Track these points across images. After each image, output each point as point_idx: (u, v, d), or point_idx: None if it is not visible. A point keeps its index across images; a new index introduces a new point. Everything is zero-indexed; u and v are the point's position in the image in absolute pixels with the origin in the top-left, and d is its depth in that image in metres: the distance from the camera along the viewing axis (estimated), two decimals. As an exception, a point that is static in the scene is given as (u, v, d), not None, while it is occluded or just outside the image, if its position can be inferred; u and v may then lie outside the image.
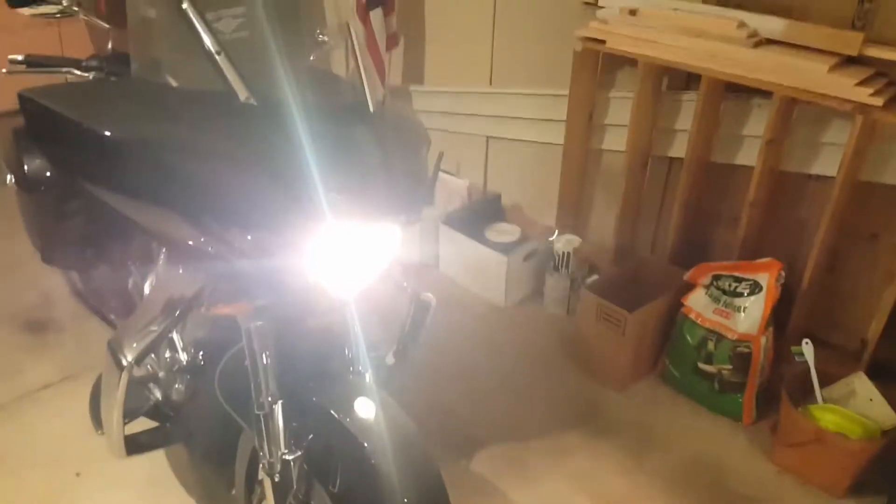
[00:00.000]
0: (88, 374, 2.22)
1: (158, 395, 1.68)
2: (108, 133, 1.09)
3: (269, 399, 1.33)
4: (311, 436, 1.36)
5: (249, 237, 1.16)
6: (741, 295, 2.01)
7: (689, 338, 2.11)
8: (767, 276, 1.98)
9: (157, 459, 1.87)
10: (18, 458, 1.94)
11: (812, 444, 1.86)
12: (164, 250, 1.56)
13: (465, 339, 2.52)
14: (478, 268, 2.70)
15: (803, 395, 1.98)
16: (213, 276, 1.27)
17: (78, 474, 1.91)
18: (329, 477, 1.37)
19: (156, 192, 1.23)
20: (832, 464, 1.85)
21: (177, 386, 1.64)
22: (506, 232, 2.71)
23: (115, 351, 1.39)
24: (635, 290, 2.24)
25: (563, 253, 2.48)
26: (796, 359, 2.01)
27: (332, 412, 1.30)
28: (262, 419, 1.34)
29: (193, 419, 1.64)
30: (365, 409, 1.32)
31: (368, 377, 1.51)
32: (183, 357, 1.60)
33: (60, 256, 2.16)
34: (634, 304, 2.13)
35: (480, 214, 2.81)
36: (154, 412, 1.70)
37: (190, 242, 1.21)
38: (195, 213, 1.19)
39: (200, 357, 1.58)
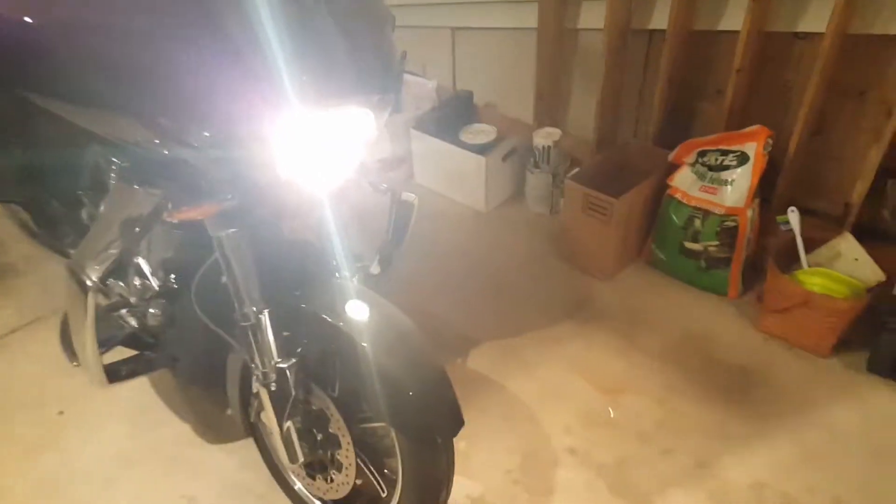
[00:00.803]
0: (55, 317, 2.15)
1: (133, 322, 1.60)
2: (29, 20, 0.97)
3: (254, 309, 1.27)
4: (304, 341, 1.32)
5: (207, 133, 1.07)
6: (728, 168, 1.97)
7: (675, 218, 2.08)
8: (755, 145, 1.93)
9: (143, 388, 1.84)
10: (7, 403, 1.89)
11: (799, 308, 1.87)
12: (115, 168, 1.45)
13: (448, 247, 2.47)
14: (454, 172, 2.62)
15: (789, 263, 1.98)
16: (173, 179, 1.18)
17: (61, 412, 1.86)
18: (328, 381, 1.34)
19: (101, 92, 1.13)
20: (818, 325, 1.87)
21: (152, 311, 1.56)
22: (481, 132, 2.61)
23: (75, 273, 1.31)
24: (620, 177, 2.20)
25: (544, 147, 2.40)
26: (782, 228, 2.00)
27: (323, 317, 1.25)
28: (249, 330, 1.29)
29: (175, 343, 1.59)
30: (358, 310, 1.27)
31: (356, 280, 1.46)
32: (154, 281, 1.52)
33: (5, 188, 2.04)
34: (620, 192, 2.08)
35: (452, 116, 2.70)
36: (131, 341, 1.63)
37: (145, 145, 1.12)
38: (148, 111, 1.09)
39: (173, 278, 1.50)
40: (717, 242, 2.04)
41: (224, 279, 1.28)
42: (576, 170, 2.42)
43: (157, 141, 1.09)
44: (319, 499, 1.52)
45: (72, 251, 1.95)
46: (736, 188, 1.96)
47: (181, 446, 1.75)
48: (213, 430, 1.79)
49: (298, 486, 1.55)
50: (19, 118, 1.77)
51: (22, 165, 1.86)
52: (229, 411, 1.81)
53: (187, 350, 1.59)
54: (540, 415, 1.81)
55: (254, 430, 1.59)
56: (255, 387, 1.35)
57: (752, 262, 2.11)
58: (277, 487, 1.61)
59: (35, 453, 1.75)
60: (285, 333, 1.31)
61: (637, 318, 2.10)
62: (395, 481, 1.35)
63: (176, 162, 1.14)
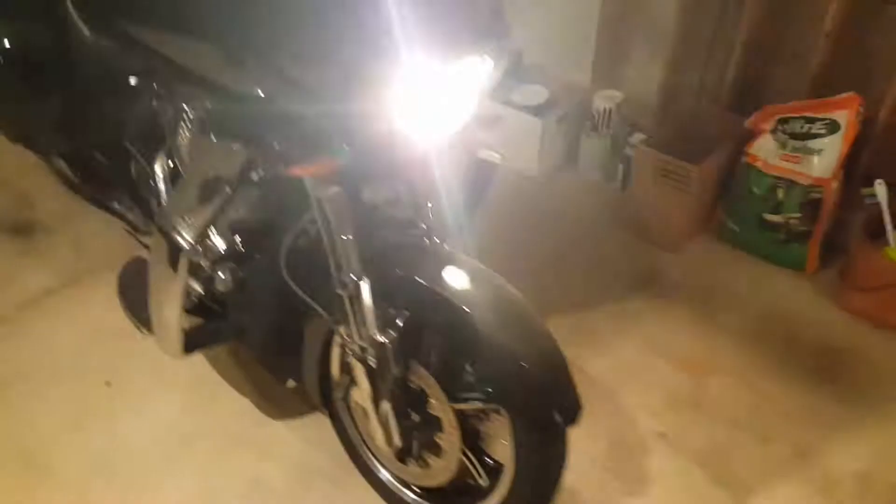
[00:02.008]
0: (91, 278, 2.01)
1: (199, 288, 1.47)
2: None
3: (354, 277, 1.15)
4: (406, 313, 1.20)
5: (328, 74, 0.95)
6: (816, 136, 1.86)
7: (755, 188, 1.97)
8: (846, 113, 1.82)
9: (193, 358, 1.67)
10: (37, 374, 1.74)
11: (889, 287, 1.78)
12: (194, 118, 1.31)
13: (502, 214, 2.32)
14: (505, 135, 2.48)
15: (874, 238, 1.88)
16: (281, 130, 1.05)
17: (108, 383, 1.73)
18: (428, 354, 1.22)
19: (204, 21, 1.00)
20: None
21: (221, 276, 1.43)
22: (533, 93, 2.46)
23: (168, 233, 1.18)
24: (690, 143, 2.07)
25: (604, 110, 2.27)
26: (867, 201, 1.90)
27: (426, 285, 1.13)
28: (346, 300, 1.17)
29: (244, 312, 1.46)
30: (461, 278, 1.16)
31: (449, 244, 1.34)
32: (225, 243, 1.39)
33: (38, 137, 1.88)
34: (692, 158, 1.96)
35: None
36: (197, 308, 1.51)
37: (257, 89, 0.99)
38: (259, 47, 0.96)
39: (246, 241, 1.37)
40: (799, 214, 1.94)
41: (323, 239, 1.16)
42: (637, 135, 2.31)
43: (269, 81, 0.97)
44: (409, 486, 1.41)
45: (115, 204, 1.82)
46: (824, 158, 1.86)
47: (242, 422, 1.63)
48: (275, 404, 1.67)
49: (385, 474, 1.43)
50: (65, 62, 1.62)
51: (67, 113, 1.71)
52: (290, 384, 1.71)
53: (258, 320, 1.46)
54: (622, 397, 1.71)
55: (330, 407, 1.47)
56: (350, 362, 1.23)
57: (829, 236, 2.02)
58: (354, 470, 1.50)
59: (84, 428, 1.62)
60: (384, 304, 1.20)
61: (711, 293, 2.00)
62: (500, 470, 1.25)
63: (282, 113, 1.01)
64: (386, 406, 1.23)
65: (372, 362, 1.19)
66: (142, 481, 1.52)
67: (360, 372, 1.22)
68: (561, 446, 1.15)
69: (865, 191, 1.88)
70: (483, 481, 1.28)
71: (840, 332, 1.87)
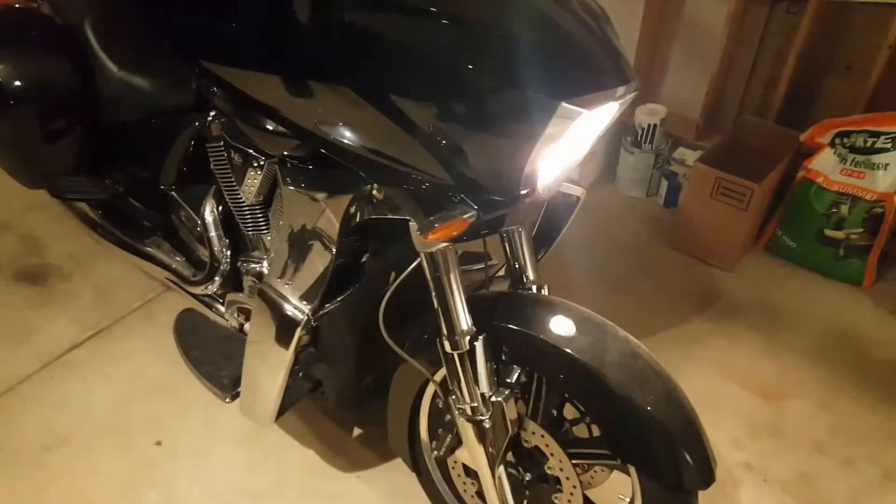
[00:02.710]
0: (120, 328, 1.89)
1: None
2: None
3: (466, 335, 1.07)
4: (521, 368, 1.12)
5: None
6: (881, 151, 1.82)
7: (815, 204, 1.93)
8: (911, 127, 1.79)
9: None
10: (78, 436, 1.61)
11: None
12: (261, 162, 1.21)
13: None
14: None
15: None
16: (397, 186, 0.96)
17: (159, 443, 1.60)
18: (543, 411, 1.15)
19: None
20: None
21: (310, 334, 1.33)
22: (568, 108, 2.40)
23: (280, 306, 1.08)
24: (742, 159, 2.02)
25: (648, 125, 2.21)
26: (929, 214, 1.87)
27: (540, 337, 1.06)
28: (456, 359, 1.08)
29: (321, 365, 1.36)
30: (574, 328, 1.08)
31: (546, 290, 1.27)
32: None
33: (62, 182, 1.75)
34: (746, 175, 1.92)
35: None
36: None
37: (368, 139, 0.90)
38: (374, 88, 0.88)
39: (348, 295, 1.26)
40: (860, 230, 1.91)
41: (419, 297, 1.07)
42: (681, 149, 2.26)
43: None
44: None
45: (153, 252, 1.69)
46: (890, 172, 1.82)
47: (313, 478, 1.53)
48: (345, 457, 1.58)
49: None
50: (88, 99, 1.50)
51: (95, 156, 1.58)
52: (355, 432, 1.61)
53: (336, 373, 1.36)
54: (702, 426, 1.65)
55: (417, 463, 1.38)
56: (455, 421, 1.14)
57: (885, 250, 1.99)
58: (441, 524, 1.42)
59: (136, 491, 1.50)
60: (497, 360, 1.12)
61: (772, 311, 1.95)
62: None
63: (404, 168, 0.92)
64: (500, 468, 1.15)
65: (486, 423, 1.11)
66: (212, 549, 1.41)
67: (470, 432, 1.13)
68: (690, 507, 1.08)
69: (927, 203, 1.85)
70: (596, 538, 1.22)
71: (907, 347, 1.85)
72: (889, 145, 1.81)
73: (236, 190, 1.32)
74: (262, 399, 1.20)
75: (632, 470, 1.09)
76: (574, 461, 1.14)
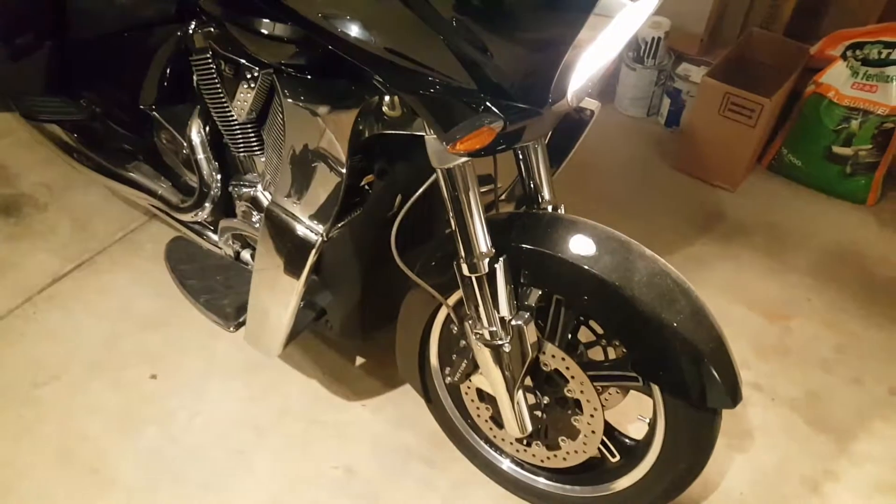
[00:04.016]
0: (104, 258, 1.79)
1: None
2: None
3: (486, 257, 1.00)
4: (542, 290, 1.07)
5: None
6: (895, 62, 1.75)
7: (825, 120, 1.86)
8: (929, 35, 1.71)
9: (242, 342, 1.47)
10: (70, 372, 1.54)
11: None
12: (257, 75, 1.10)
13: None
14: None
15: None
16: (415, 92, 0.87)
17: (154, 376, 1.54)
18: (564, 333, 1.10)
19: None
20: None
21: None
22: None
23: (293, 228, 1.00)
24: (750, 74, 1.94)
25: (652, 39, 2.10)
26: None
27: (563, 258, 1.01)
28: (474, 282, 1.03)
29: (324, 292, 1.30)
30: (597, 248, 1.03)
31: (563, 210, 1.20)
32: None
33: (29, 101, 1.61)
34: (757, 90, 1.84)
35: None
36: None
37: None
38: None
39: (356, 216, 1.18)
40: (870, 146, 1.85)
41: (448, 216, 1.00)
42: (685, 65, 2.16)
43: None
44: (528, 466, 1.31)
45: (135, 177, 1.58)
46: (904, 84, 1.76)
47: (316, 408, 1.49)
48: (348, 386, 1.54)
49: (506, 462, 1.32)
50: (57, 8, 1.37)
51: (65, 72, 1.45)
52: (359, 360, 1.57)
53: (340, 301, 1.30)
54: (710, 347, 1.64)
55: (427, 390, 1.34)
56: (471, 346, 1.10)
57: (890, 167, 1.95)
58: (449, 448, 1.39)
59: (135, 427, 1.45)
60: (516, 283, 1.06)
61: (777, 231, 1.92)
62: (638, 449, 1.16)
63: (421, 70, 0.83)
64: (519, 393, 1.11)
65: (505, 347, 1.06)
66: (216, 482, 1.37)
67: (488, 358, 1.09)
68: (716, 429, 1.06)
69: (937, 118, 1.80)
70: (613, 458, 1.20)
71: (911, 265, 1.84)
72: (905, 56, 1.74)
73: (226, 107, 1.21)
74: (271, 329, 1.13)
75: (655, 391, 1.06)
76: (595, 383, 1.11)
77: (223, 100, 1.20)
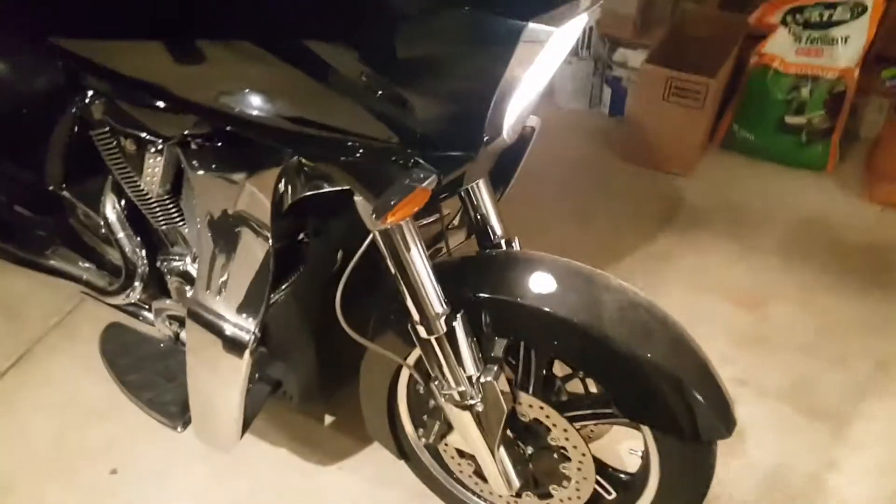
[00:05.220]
0: (40, 348, 1.64)
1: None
2: None
3: (442, 317, 0.91)
4: (508, 339, 0.98)
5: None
6: (839, 23, 1.70)
7: (773, 91, 1.82)
8: (870, -8, 1.67)
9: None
10: (24, 479, 1.40)
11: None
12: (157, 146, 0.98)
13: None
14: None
15: None
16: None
17: (114, 471, 1.41)
18: (535, 378, 1.02)
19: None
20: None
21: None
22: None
23: (221, 328, 0.89)
24: (690, 53, 1.88)
25: (585, 29, 2.03)
26: (887, 83, 1.79)
27: (516, 301, 0.92)
28: (434, 344, 0.94)
29: (276, 364, 1.20)
30: (563, 286, 0.95)
31: (517, 243, 1.12)
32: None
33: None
34: (700, 70, 1.78)
35: None
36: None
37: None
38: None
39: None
40: (822, 112, 1.81)
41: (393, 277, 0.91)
42: (620, 50, 2.09)
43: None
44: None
45: (56, 264, 1.44)
46: (850, 46, 1.71)
47: (289, 477, 1.38)
48: (318, 448, 1.44)
49: None
50: None
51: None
52: (326, 419, 1.47)
53: (295, 369, 1.20)
54: (689, 346, 1.58)
55: (404, 451, 1.25)
56: (442, 407, 1.01)
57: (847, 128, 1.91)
58: (439, 502, 1.31)
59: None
60: (479, 336, 0.98)
61: (738, 213, 1.87)
62: (634, 483, 1.09)
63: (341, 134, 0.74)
64: (500, 450, 1.03)
65: (478, 407, 0.98)
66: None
67: (461, 419, 1.00)
68: (713, 457, 0.99)
69: (886, 73, 1.76)
70: (608, 495, 1.12)
71: (878, 228, 1.80)
72: (848, 16, 1.69)
73: (137, 182, 1.10)
74: (220, 422, 1.03)
75: (644, 428, 0.99)
76: (577, 423, 1.03)
77: (132, 174, 1.09)
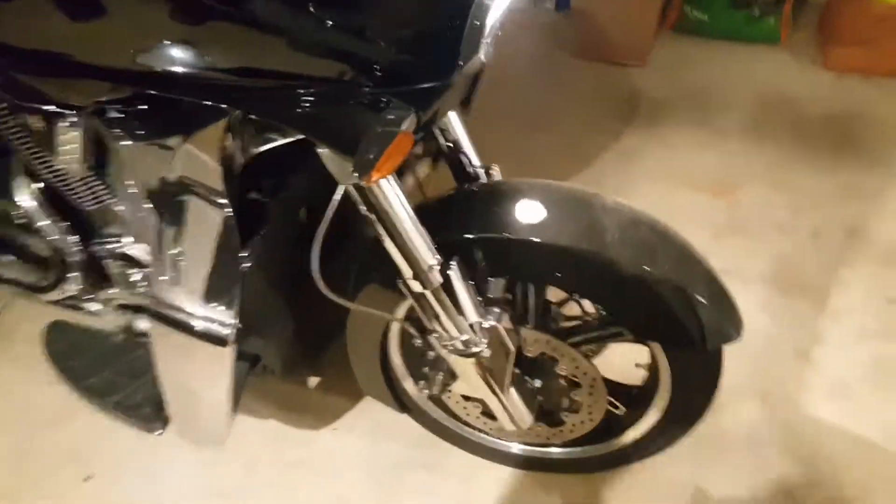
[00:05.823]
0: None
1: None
2: None
3: (436, 267, 0.83)
4: (505, 277, 0.91)
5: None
6: None
7: (722, -34, 1.72)
8: None
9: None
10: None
11: (877, 34, 1.66)
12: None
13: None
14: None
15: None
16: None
17: (88, 477, 1.29)
18: (536, 311, 0.96)
19: None
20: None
21: None
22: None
23: (189, 325, 0.77)
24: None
25: (516, -83, 1.86)
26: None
27: (512, 237, 0.85)
28: (430, 297, 0.85)
29: (254, 337, 1.09)
30: (556, 212, 0.88)
31: (497, 171, 1.03)
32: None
33: None
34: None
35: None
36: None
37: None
38: None
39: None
40: (772, -18, 1.74)
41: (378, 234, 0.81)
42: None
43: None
44: (534, 444, 1.20)
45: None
46: None
47: (281, 447, 1.30)
48: (309, 414, 1.36)
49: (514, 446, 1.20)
50: None
51: None
52: (310, 382, 1.39)
53: (272, 341, 1.10)
54: (668, 244, 1.54)
55: (405, 404, 1.19)
56: (446, 357, 0.94)
57: (792, -3, 1.85)
58: (442, 448, 1.26)
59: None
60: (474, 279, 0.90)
61: (699, 98, 1.81)
62: (643, 395, 1.06)
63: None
64: (510, 391, 0.97)
65: (484, 353, 0.91)
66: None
67: (467, 368, 0.93)
68: (722, 358, 0.96)
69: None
70: (617, 409, 1.09)
71: (836, 96, 1.77)
72: None
73: (50, 162, 0.94)
74: (207, 419, 0.93)
75: (654, 344, 0.95)
76: (584, 347, 0.99)
77: (44, 154, 0.93)
